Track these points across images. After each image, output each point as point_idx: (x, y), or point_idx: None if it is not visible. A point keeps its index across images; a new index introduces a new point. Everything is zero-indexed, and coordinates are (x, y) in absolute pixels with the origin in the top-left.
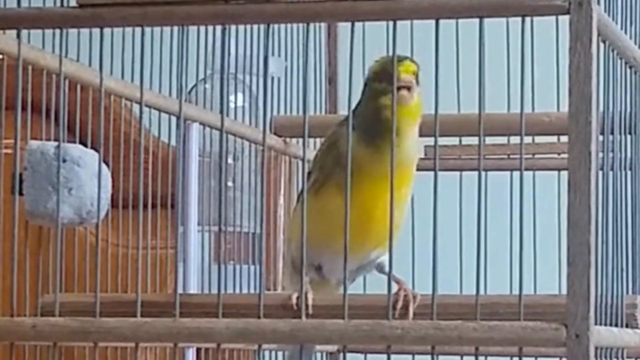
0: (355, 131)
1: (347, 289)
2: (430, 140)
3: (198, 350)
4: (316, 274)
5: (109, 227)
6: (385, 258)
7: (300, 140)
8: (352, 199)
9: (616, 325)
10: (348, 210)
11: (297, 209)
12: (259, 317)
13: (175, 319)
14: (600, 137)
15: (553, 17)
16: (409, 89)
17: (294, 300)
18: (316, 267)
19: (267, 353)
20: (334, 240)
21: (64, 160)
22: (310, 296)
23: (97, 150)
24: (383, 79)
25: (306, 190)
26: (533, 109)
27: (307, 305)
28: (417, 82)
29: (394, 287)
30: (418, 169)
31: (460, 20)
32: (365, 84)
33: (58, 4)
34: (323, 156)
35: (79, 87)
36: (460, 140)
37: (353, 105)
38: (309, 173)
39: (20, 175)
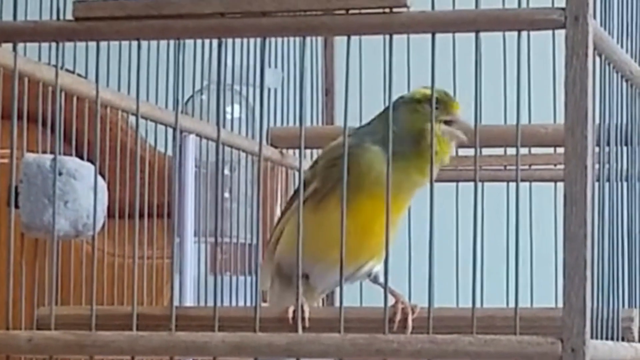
0: (378, 146)
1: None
2: None
3: None
4: (302, 282)
5: (105, 237)
6: (378, 268)
7: (297, 151)
8: (356, 213)
9: (612, 339)
10: (343, 224)
11: (291, 217)
12: (255, 331)
13: (171, 333)
14: (596, 149)
15: (549, 30)
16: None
17: (291, 314)
18: (303, 275)
19: None
20: (329, 252)
21: (60, 173)
22: (307, 309)
23: (93, 162)
24: (436, 106)
25: (302, 201)
26: (530, 120)
27: (303, 319)
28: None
29: (391, 300)
30: None
31: (457, 34)
32: (401, 103)
33: (54, 17)
34: (329, 167)
35: (75, 98)
36: (456, 151)
37: (351, 117)
38: (305, 182)
39: (16, 187)
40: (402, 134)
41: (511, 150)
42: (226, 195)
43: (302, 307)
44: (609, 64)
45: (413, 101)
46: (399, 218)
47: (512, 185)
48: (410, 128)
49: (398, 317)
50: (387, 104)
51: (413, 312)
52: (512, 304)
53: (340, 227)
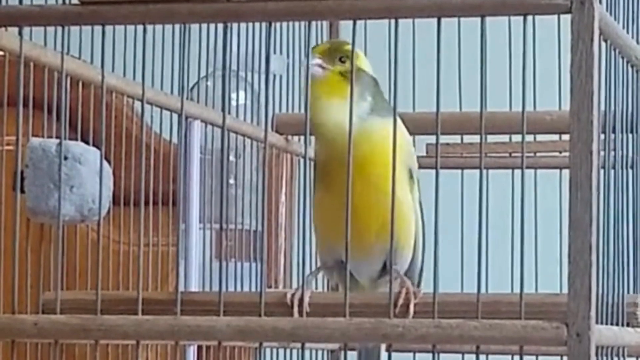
0: None
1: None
2: (432, 138)
3: (199, 347)
4: (342, 270)
5: (110, 224)
6: (399, 265)
7: (302, 137)
8: (334, 196)
9: (617, 324)
10: (349, 211)
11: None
12: (260, 315)
13: (176, 317)
14: (602, 136)
15: (555, 15)
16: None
17: (289, 297)
18: (342, 263)
19: (267, 351)
20: (336, 238)
21: (66, 158)
22: (307, 294)
23: (98, 148)
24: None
25: (313, 190)
26: (535, 107)
27: (300, 302)
28: (342, 60)
29: (396, 285)
30: (419, 167)
31: (462, 19)
32: None
33: (60, 1)
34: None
35: (80, 84)
36: (461, 138)
37: None
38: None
39: (22, 172)
40: None
41: (516, 137)
42: (231, 181)
43: (302, 291)
44: (614, 50)
45: None
46: (376, 193)
47: (517, 172)
48: None
49: (400, 301)
50: (392, 88)
51: (415, 297)
52: (517, 290)
53: (330, 213)
